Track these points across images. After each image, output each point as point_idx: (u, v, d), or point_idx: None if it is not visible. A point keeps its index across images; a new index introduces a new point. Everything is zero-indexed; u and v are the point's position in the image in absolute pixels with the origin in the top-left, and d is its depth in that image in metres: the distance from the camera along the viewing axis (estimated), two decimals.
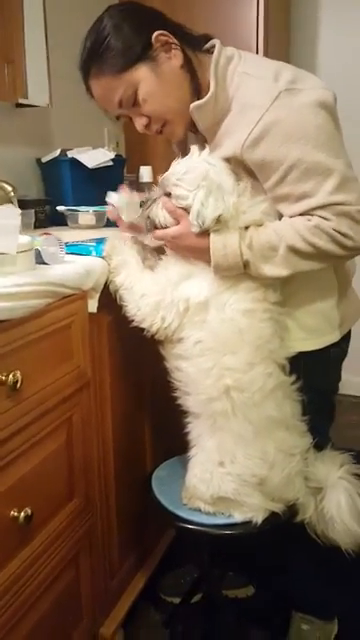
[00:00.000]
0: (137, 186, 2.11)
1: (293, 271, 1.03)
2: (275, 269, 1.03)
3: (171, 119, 1.11)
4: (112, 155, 1.96)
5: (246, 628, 1.43)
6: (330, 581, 1.37)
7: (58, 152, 1.87)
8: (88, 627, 1.24)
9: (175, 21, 1.13)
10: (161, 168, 2.34)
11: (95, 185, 1.89)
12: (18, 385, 0.92)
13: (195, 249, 1.07)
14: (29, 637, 1.03)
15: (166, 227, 1.09)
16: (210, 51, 1.10)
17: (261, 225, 1.04)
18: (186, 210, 1.05)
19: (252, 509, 1.10)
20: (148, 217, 1.11)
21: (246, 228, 1.04)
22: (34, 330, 0.97)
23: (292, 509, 1.15)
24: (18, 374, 0.91)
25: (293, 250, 1.01)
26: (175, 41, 1.07)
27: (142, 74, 1.06)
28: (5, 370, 0.90)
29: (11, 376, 0.90)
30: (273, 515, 1.11)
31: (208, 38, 1.14)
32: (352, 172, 1.02)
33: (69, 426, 1.12)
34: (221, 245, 1.02)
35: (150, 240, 1.19)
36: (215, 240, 1.02)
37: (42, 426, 1.02)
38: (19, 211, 1.03)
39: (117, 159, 1.99)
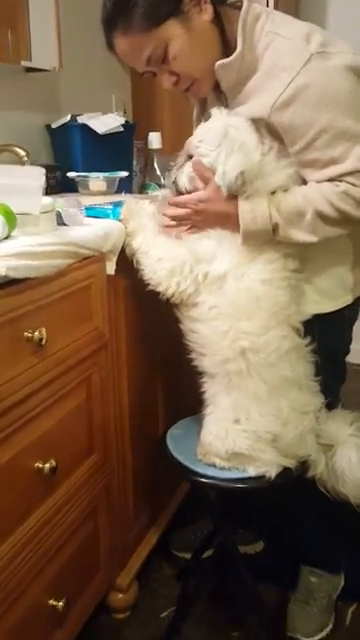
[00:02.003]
0: (146, 152, 2.11)
1: (319, 237, 1.05)
2: (301, 234, 1.05)
3: (200, 77, 1.10)
4: (122, 120, 1.95)
5: (256, 582, 1.49)
6: (339, 536, 1.42)
7: (68, 118, 1.87)
8: (105, 577, 1.30)
9: None
10: (170, 134, 2.32)
11: (105, 151, 1.90)
12: (43, 342, 0.95)
13: (223, 215, 1.07)
14: (51, 585, 1.08)
15: (187, 190, 1.10)
16: (236, 5, 1.09)
17: (287, 190, 1.05)
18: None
19: (266, 464, 1.14)
20: (174, 182, 1.11)
21: (273, 194, 1.05)
22: (57, 290, 1.00)
23: (304, 465, 1.19)
24: (43, 331, 0.94)
25: (320, 216, 1.02)
26: None
27: (173, 30, 1.04)
28: (31, 327, 0.93)
29: (37, 333, 0.93)
30: (285, 470, 1.16)
31: None
32: None
33: (89, 385, 1.15)
34: (249, 208, 1.03)
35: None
36: (244, 204, 1.03)
37: (64, 383, 1.06)
38: (43, 171, 1.04)
39: (127, 125, 1.98)
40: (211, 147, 1.04)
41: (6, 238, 0.92)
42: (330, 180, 1.02)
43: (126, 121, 2.01)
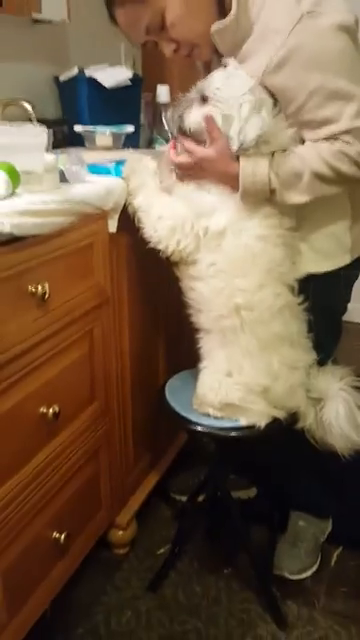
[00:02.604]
0: (154, 106, 2.10)
1: (315, 196, 1.08)
2: (298, 196, 1.08)
3: (199, 42, 1.12)
4: (130, 74, 1.94)
5: (248, 524, 1.59)
6: (326, 484, 1.50)
7: (76, 71, 1.86)
8: (106, 515, 1.40)
9: None
10: (179, 87, 2.30)
11: (113, 105, 1.90)
12: (46, 297, 1.00)
13: (223, 174, 1.10)
14: (55, 518, 1.17)
15: (191, 131, 1.10)
16: None
17: (286, 150, 1.07)
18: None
19: (256, 415, 1.21)
20: (180, 117, 1.11)
21: (272, 154, 1.07)
22: (59, 246, 1.04)
23: (294, 416, 1.25)
24: (46, 286, 0.99)
25: (317, 176, 1.05)
26: None
27: None
28: (34, 282, 0.98)
29: (40, 287, 0.99)
30: (275, 421, 1.22)
31: None
32: None
33: (91, 338, 1.21)
34: (250, 171, 1.06)
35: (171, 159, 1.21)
36: (245, 166, 1.06)
37: (67, 336, 1.12)
38: (45, 129, 1.07)
39: (135, 78, 1.97)
40: (234, 95, 1.04)
41: (10, 195, 0.96)
42: (326, 139, 1.04)
43: (134, 74, 2.00)
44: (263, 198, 1.08)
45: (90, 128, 1.79)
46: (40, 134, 1.02)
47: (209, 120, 1.08)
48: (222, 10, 1.08)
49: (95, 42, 2.03)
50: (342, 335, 1.42)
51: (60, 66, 1.91)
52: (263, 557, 1.48)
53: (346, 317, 1.56)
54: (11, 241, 0.92)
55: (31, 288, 0.98)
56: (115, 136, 1.79)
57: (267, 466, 1.61)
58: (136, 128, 1.87)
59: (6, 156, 0.97)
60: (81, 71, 1.86)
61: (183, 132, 1.12)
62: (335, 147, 1.03)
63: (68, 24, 1.83)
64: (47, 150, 1.23)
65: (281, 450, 1.41)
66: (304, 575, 1.46)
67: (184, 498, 1.65)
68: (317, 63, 1.00)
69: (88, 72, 1.86)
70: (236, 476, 1.69)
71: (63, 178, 1.10)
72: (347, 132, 1.02)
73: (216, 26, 1.08)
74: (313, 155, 1.04)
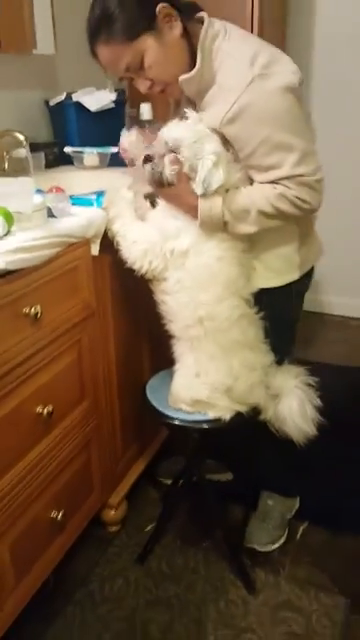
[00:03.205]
0: (138, 122, 2.28)
1: (260, 228, 1.27)
2: (247, 227, 1.27)
3: (171, 82, 1.28)
4: (114, 97, 2.11)
5: (225, 504, 1.79)
6: (292, 467, 1.71)
7: (64, 96, 2.04)
8: (98, 497, 1.61)
9: None
10: (160, 105, 2.48)
11: (99, 125, 2.08)
12: (38, 316, 1.20)
13: (187, 206, 1.28)
14: (53, 500, 1.38)
15: (169, 183, 1.28)
16: (200, 20, 1.25)
17: (238, 188, 1.25)
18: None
19: (222, 409, 1.41)
20: (160, 173, 1.28)
21: (226, 191, 1.25)
22: (48, 273, 1.24)
23: (255, 410, 1.45)
24: (38, 307, 1.19)
25: (262, 213, 1.24)
26: (176, 16, 1.22)
27: (148, 43, 1.21)
28: (28, 305, 1.18)
29: (32, 309, 1.18)
30: (238, 414, 1.42)
31: (197, 8, 1.29)
32: (312, 147, 1.22)
33: (79, 346, 1.41)
34: (208, 207, 1.24)
35: (145, 188, 1.41)
36: (203, 203, 1.24)
37: (57, 346, 1.32)
38: (32, 180, 1.26)
39: (118, 100, 2.14)
40: (198, 155, 1.21)
41: (6, 235, 1.15)
42: (271, 182, 1.23)
43: (118, 92, 2.15)
44: (218, 229, 1.27)
45: (79, 149, 1.98)
46: (28, 183, 1.21)
47: (176, 162, 1.26)
48: (193, 56, 1.25)
49: (81, 67, 2.19)
50: (322, 327, 1.59)
51: (50, 91, 2.09)
52: (236, 532, 1.69)
53: (325, 310, 1.73)
54: (6, 274, 1.11)
55: (25, 310, 1.18)
56: (101, 156, 1.98)
57: (241, 452, 1.82)
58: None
59: (2, 201, 1.16)
60: (69, 96, 2.04)
61: (163, 183, 1.29)
62: (277, 190, 1.21)
63: (55, 54, 2.00)
64: (39, 171, 1.41)
65: (251, 439, 1.61)
66: (272, 547, 1.67)
67: (169, 482, 1.86)
68: (264, 119, 1.17)
69: (75, 97, 2.04)
70: (215, 462, 1.90)
71: (51, 213, 1.29)
72: (287, 178, 1.20)
73: (183, 77, 1.25)
74: (259, 195, 1.23)
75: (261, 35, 2.25)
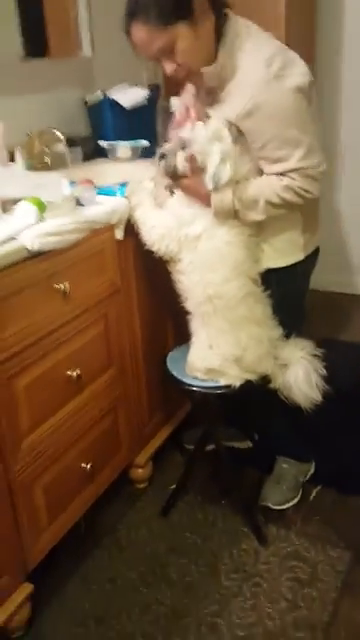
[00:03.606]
0: (168, 114, 2.42)
1: (268, 216, 1.41)
2: (256, 215, 1.41)
3: (196, 70, 1.39)
4: (146, 94, 2.28)
5: (242, 468, 1.95)
6: (306, 434, 1.85)
7: (100, 94, 2.22)
8: (126, 455, 1.81)
9: None
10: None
11: (132, 120, 2.24)
12: (67, 291, 1.39)
13: (201, 196, 1.43)
14: (84, 452, 1.58)
15: (183, 174, 1.44)
16: (226, 17, 1.36)
17: (248, 179, 1.40)
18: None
19: (232, 378, 1.56)
20: (172, 166, 1.44)
21: (237, 182, 1.40)
22: (77, 254, 1.43)
23: (266, 379, 1.60)
24: (67, 284, 1.38)
25: (269, 203, 1.38)
26: (209, 6, 1.33)
27: (182, 31, 1.30)
28: (59, 281, 1.38)
29: (63, 285, 1.38)
30: (248, 382, 1.57)
31: (226, 3, 1.39)
32: (317, 142, 1.35)
33: (106, 319, 1.60)
34: (219, 199, 1.39)
35: (165, 180, 1.57)
36: (215, 196, 1.39)
37: (85, 318, 1.51)
38: (62, 175, 1.44)
39: (150, 96, 2.30)
40: (203, 149, 1.37)
41: (39, 221, 1.34)
42: (278, 174, 1.36)
43: (151, 87, 2.30)
44: (230, 217, 1.41)
45: (113, 143, 2.17)
46: (59, 176, 1.40)
47: (192, 159, 1.41)
48: (215, 55, 1.37)
49: (116, 65, 2.36)
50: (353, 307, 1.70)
51: (88, 89, 2.27)
52: (252, 493, 1.85)
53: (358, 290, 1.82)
54: (40, 254, 1.31)
55: (56, 286, 1.37)
56: (133, 149, 2.15)
57: (258, 422, 1.97)
58: (152, 140, 2.21)
59: (36, 192, 1.35)
60: (104, 94, 2.22)
61: (175, 173, 1.44)
62: (283, 182, 1.35)
63: (93, 55, 2.19)
64: (77, 164, 1.59)
65: (266, 408, 1.76)
66: (285, 506, 1.82)
67: (192, 447, 2.03)
68: (276, 116, 1.31)
69: (110, 94, 2.21)
70: (236, 430, 2.06)
71: (79, 203, 1.48)
72: (293, 170, 1.34)
73: (205, 69, 1.37)
74: (267, 187, 1.37)
75: (289, 32, 2.35)
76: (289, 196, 1.37)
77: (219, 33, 1.36)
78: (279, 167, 1.36)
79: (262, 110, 1.31)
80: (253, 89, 1.31)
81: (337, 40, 2.87)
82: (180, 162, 1.44)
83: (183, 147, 1.43)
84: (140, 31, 1.33)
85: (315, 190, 1.38)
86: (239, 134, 1.39)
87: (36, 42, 1.98)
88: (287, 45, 1.41)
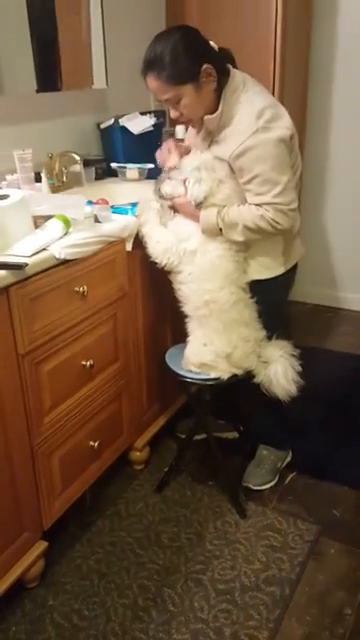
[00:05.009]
0: (174, 139, 2.71)
1: (247, 239, 1.69)
2: (236, 236, 1.69)
3: (196, 120, 1.71)
4: (153, 121, 2.57)
5: (228, 455, 2.22)
6: (284, 425, 2.12)
7: (112, 121, 2.51)
8: (127, 438, 2.08)
9: (216, 49, 1.64)
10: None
11: (140, 144, 2.53)
12: (85, 293, 1.67)
13: (192, 213, 1.72)
14: (93, 431, 1.85)
15: (171, 197, 1.75)
16: (227, 73, 1.64)
17: (228, 201, 1.68)
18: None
19: (221, 371, 1.83)
20: (159, 189, 1.77)
21: (223, 207, 1.68)
22: (93, 263, 1.70)
23: (250, 374, 1.87)
24: (85, 287, 1.66)
25: (246, 227, 1.65)
26: (215, 74, 1.60)
27: (188, 91, 1.58)
28: (79, 285, 1.65)
29: (81, 288, 1.65)
30: (235, 376, 1.85)
31: (228, 57, 1.68)
32: (292, 184, 1.63)
33: (115, 319, 1.87)
34: (206, 217, 1.68)
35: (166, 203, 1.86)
36: (202, 213, 1.68)
37: (98, 317, 1.78)
38: (84, 197, 1.72)
39: (157, 124, 2.59)
40: (186, 175, 1.69)
41: (65, 235, 1.61)
42: (257, 205, 1.64)
43: (158, 114, 2.59)
44: (215, 233, 1.70)
45: (122, 165, 2.45)
46: (81, 198, 1.68)
47: (177, 185, 1.72)
48: (215, 106, 1.65)
49: (128, 94, 2.65)
50: (338, 320, 1.99)
51: (101, 116, 2.55)
52: (235, 476, 2.12)
53: (341, 305, 2.14)
54: (65, 262, 1.58)
55: (76, 289, 1.65)
56: (141, 171, 2.44)
57: (243, 415, 2.25)
58: (157, 163, 2.48)
59: (62, 211, 1.63)
60: (116, 121, 2.50)
61: (162, 196, 1.77)
62: (259, 212, 1.63)
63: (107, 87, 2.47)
64: (91, 182, 1.88)
65: (252, 403, 2.03)
66: (263, 487, 2.09)
67: (184, 436, 2.30)
68: (261, 160, 1.58)
69: (121, 121, 2.50)
70: (224, 422, 2.33)
71: (97, 219, 1.75)
72: (269, 204, 1.62)
73: (207, 117, 1.66)
74: (247, 214, 1.65)
75: (285, 37, 2.61)
76: (263, 224, 1.64)
77: (220, 89, 1.64)
78: (258, 199, 1.64)
79: (249, 153, 1.59)
80: (244, 135, 1.59)
81: (329, 55, 3.16)
82: (164, 187, 1.75)
83: (169, 177, 1.74)
84: (153, 82, 1.62)
85: (285, 223, 1.65)
86: (230, 170, 1.69)
87: (49, 78, 2.21)
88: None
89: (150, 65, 1.59)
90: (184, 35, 1.59)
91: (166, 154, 1.85)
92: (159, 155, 1.89)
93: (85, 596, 1.71)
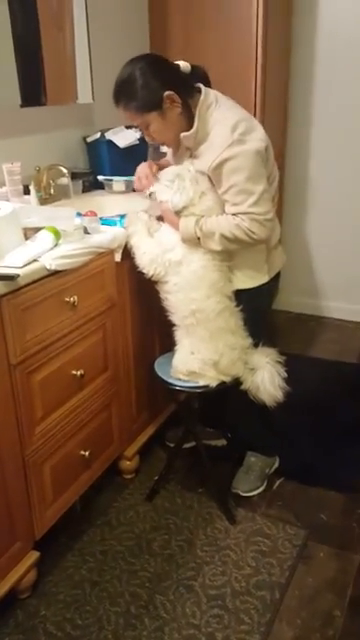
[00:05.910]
0: (158, 153, 2.76)
1: (224, 248, 1.73)
2: (213, 245, 1.73)
3: (168, 143, 1.80)
4: (138, 135, 2.61)
5: (217, 462, 2.25)
6: (272, 433, 2.16)
7: (98, 134, 2.55)
8: (117, 447, 2.09)
9: (188, 69, 1.72)
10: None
11: (126, 158, 2.57)
12: (75, 304, 1.69)
13: (173, 223, 1.77)
14: (83, 441, 1.86)
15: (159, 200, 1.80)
16: (198, 90, 1.72)
17: (209, 212, 1.73)
18: None
19: (209, 379, 1.86)
20: (150, 195, 1.83)
21: (202, 217, 1.72)
22: (83, 273, 1.73)
23: (237, 381, 1.90)
24: (75, 297, 1.68)
25: (223, 236, 1.70)
26: (178, 99, 1.67)
27: (153, 118, 1.68)
28: (69, 295, 1.67)
29: (71, 298, 1.67)
30: (223, 383, 1.88)
31: (201, 73, 1.76)
32: (267, 195, 1.69)
33: (104, 329, 1.90)
34: (184, 225, 1.73)
35: (156, 212, 1.90)
36: (181, 222, 1.73)
37: (88, 327, 1.80)
38: (74, 210, 1.75)
39: (142, 137, 2.62)
40: (169, 184, 1.74)
41: (55, 246, 1.64)
42: (234, 214, 1.69)
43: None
44: (194, 242, 1.74)
45: (109, 178, 2.49)
46: (71, 211, 1.71)
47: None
48: (190, 124, 1.73)
49: (114, 109, 2.69)
50: (321, 328, 2.05)
51: (88, 129, 2.59)
52: (225, 482, 2.15)
53: (324, 313, 2.19)
54: (55, 273, 1.60)
55: (67, 299, 1.67)
56: (127, 183, 2.47)
57: (231, 422, 2.28)
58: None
59: (52, 222, 1.65)
60: (102, 135, 2.54)
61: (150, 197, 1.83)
62: (235, 222, 1.68)
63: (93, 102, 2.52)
64: (78, 195, 1.92)
65: (240, 411, 2.06)
66: (252, 494, 2.12)
67: (173, 445, 2.32)
68: (237, 171, 1.64)
69: (107, 135, 2.54)
70: (213, 430, 2.35)
71: (87, 231, 1.79)
72: (244, 213, 1.67)
73: (183, 134, 1.73)
74: (224, 223, 1.69)
75: (265, 47, 2.67)
76: (239, 233, 1.68)
77: (189, 107, 1.71)
78: (234, 209, 1.69)
79: (226, 165, 1.65)
80: (221, 149, 1.65)
81: (309, 71, 3.26)
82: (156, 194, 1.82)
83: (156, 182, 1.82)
84: (122, 110, 1.73)
85: (260, 232, 1.69)
86: (211, 183, 1.73)
87: (34, 93, 2.25)
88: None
89: (117, 95, 1.70)
90: (146, 65, 1.67)
91: (144, 180, 1.89)
92: (137, 182, 1.94)
93: (77, 605, 1.72)
